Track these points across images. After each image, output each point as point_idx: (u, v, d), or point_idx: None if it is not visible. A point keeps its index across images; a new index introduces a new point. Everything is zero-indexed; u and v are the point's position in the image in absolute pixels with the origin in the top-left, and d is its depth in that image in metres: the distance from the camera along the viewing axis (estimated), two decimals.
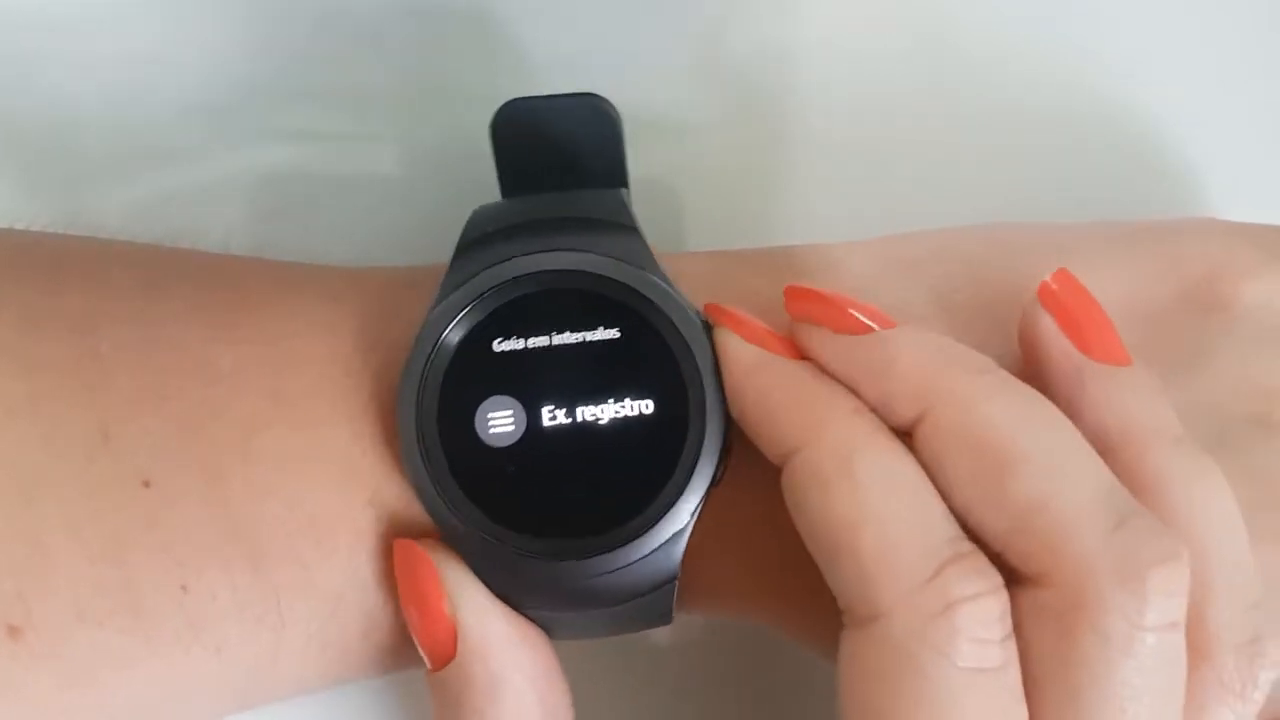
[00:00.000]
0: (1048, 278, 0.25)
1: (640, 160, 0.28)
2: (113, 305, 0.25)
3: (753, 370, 0.24)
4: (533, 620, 0.25)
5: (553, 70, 0.33)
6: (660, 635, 0.31)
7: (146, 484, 0.24)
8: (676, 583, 0.25)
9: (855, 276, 0.28)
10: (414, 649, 0.25)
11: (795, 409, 0.24)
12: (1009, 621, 0.22)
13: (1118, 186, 0.34)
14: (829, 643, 0.23)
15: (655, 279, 0.25)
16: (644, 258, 0.25)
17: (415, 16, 0.32)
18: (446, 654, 0.24)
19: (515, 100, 0.26)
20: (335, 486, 0.25)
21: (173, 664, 0.24)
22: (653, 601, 0.25)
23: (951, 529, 0.23)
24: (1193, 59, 0.35)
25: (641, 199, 0.28)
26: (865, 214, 0.31)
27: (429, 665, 0.25)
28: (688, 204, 0.33)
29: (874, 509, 0.22)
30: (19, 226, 0.31)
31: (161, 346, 0.25)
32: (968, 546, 0.22)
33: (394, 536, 0.25)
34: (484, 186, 0.32)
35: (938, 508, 0.23)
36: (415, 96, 0.32)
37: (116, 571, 0.24)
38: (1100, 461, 0.23)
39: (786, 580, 0.26)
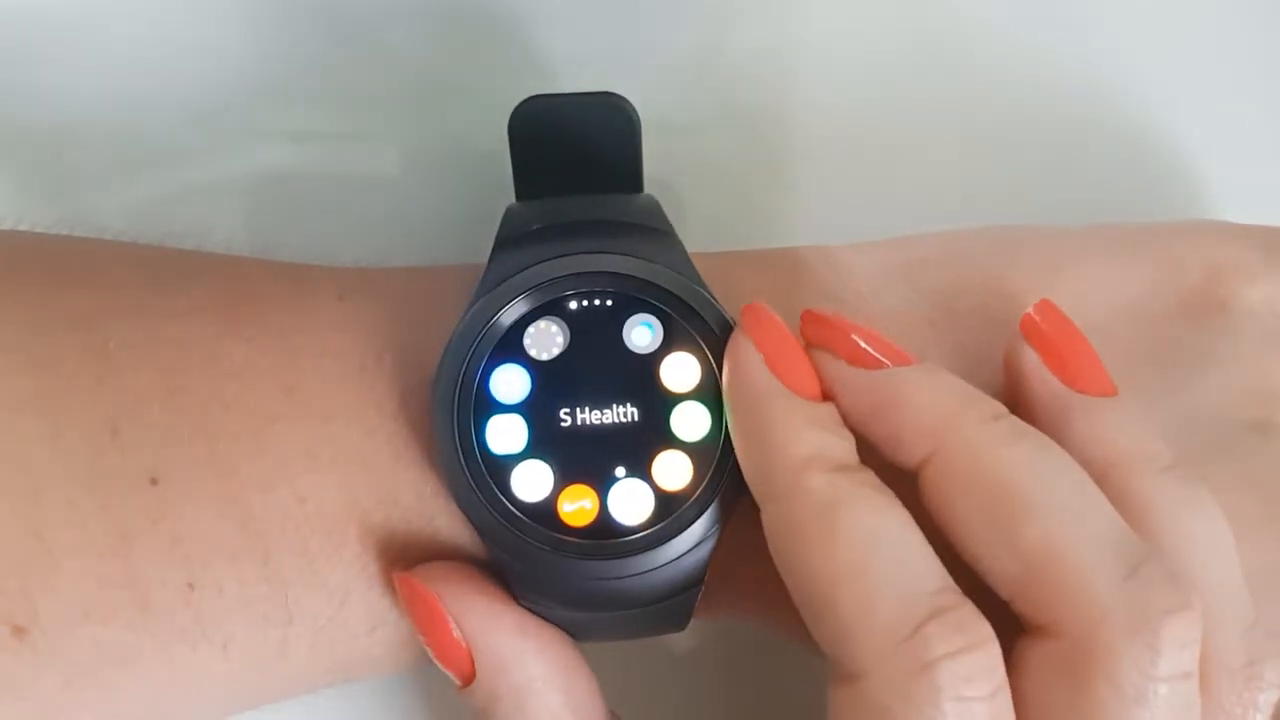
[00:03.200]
0: (1030, 309, 0.25)
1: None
2: (119, 303, 0.25)
3: (751, 400, 0.24)
4: (554, 621, 0.25)
5: (553, 70, 0.33)
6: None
7: (154, 479, 0.24)
8: (700, 588, 0.25)
9: (859, 280, 0.28)
10: (420, 646, 0.25)
11: (780, 451, 0.23)
12: (1000, 673, 0.22)
13: (1117, 185, 0.34)
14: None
15: (696, 286, 0.25)
16: (684, 264, 0.25)
17: (415, 16, 0.32)
18: (468, 675, 0.24)
19: (534, 97, 0.26)
20: (346, 482, 0.25)
21: (179, 661, 0.24)
22: (674, 606, 0.25)
23: (935, 580, 0.22)
24: (1193, 59, 0.35)
25: None
26: (865, 214, 0.31)
27: (456, 684, 0.25)
28: (688, 204, 0.33)
29: (851, 564, 0.22)
30: (21, 227, 0.31)
31: (169, 343, 0.25)
32: (953, 598, 0.22)
33: (403, 534, 0.25)
34: (485, 186, 0.32)
35: (921, 559, 0.22)
36: (415, 96, 0.32)
37: (123, 567, 0.24)
38: (1111, 508, 0.23)
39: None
